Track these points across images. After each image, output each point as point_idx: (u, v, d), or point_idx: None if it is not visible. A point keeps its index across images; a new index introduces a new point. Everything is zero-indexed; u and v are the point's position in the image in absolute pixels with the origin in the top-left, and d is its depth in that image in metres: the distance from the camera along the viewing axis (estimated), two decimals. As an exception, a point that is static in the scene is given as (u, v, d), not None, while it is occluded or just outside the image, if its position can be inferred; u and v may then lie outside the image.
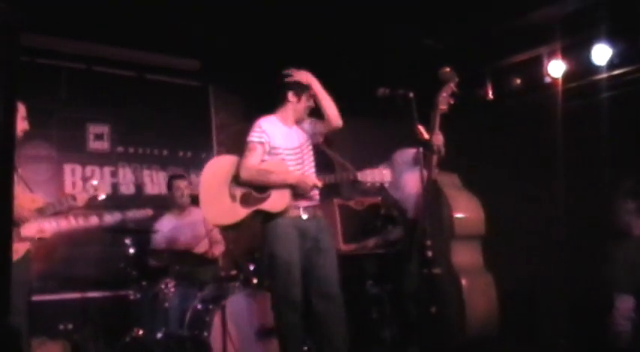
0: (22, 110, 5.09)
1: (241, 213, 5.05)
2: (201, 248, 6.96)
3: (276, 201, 5.05)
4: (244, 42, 7.51)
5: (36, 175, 7.22)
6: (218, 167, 5.29)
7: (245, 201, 5.07)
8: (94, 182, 5.68)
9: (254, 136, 5.15)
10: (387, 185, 6.38)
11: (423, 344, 5.54)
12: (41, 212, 5.27)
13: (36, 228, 5.42)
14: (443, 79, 5.61)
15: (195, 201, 6.97)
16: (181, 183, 7.27)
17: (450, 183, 5.75)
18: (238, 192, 5.11)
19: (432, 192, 5.43)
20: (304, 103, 5.38)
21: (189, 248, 6.89)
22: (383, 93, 5.38)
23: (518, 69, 7.94)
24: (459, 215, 5.51)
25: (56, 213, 5.60)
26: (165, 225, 7.16)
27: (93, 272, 7.50)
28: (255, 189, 5.08)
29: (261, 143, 5.14)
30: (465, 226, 5.53)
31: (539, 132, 7.57)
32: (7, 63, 2.60)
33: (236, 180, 5.11)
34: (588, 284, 6.63)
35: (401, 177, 6.12)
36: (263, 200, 5.04)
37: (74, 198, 5.45)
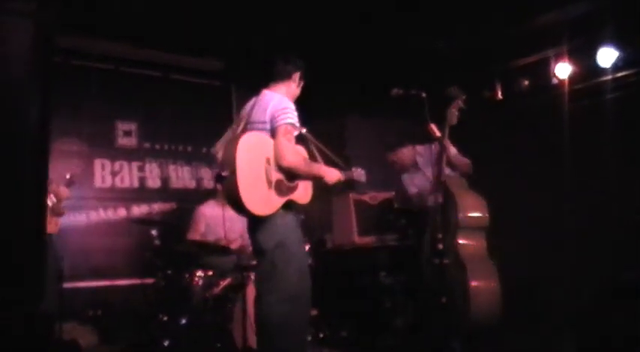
0: None
1: (277, 202, 4.33)
2: (235, 246, 6.92)
3: (302, 193, 4.56)
4: (265, 43, 7.52)
5: (68, 169, 7.28)
6: (253, 145, 4.30)
7: (279, 188, 4.32)
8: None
9: (293, 118, 4.41)
10: (405, 180, 6.44)
11: (433, 332, 5.57)
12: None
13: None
14: (451, 96, 5.68)
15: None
16: None
17: (457, 184, 5.81)
18: (274, 177, 4.30)
19: (441, 191, 5.49)
20: (299, 90, 4.85)
21: (226, 241, 6.81)
22: (397, 93, 5.39)
23: (526, 71, 7.89)
24: (464, 210, 5.59)
25: None
26: (209, 211, 7.03)
27: (121, 261, 7.60)
28: (286, 176, 4.39)
29: (296, 127, 4.46)
30: (470, 220, 5.61)
31: (547, 131, 7.55)
32: (41, 67, 2.64)
33: (272, 163, 4.31)
34: (592, 276, 6.65)
35: (425, 168, 6.19)
36: (293, 190, 4.44)
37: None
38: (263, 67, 4.81)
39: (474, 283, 5.38)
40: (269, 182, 4.28)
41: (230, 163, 4.16)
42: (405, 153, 6.46)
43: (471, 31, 7.34)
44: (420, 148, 6.44)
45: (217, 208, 6.92)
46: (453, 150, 5.88)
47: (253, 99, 4.67)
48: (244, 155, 4.19)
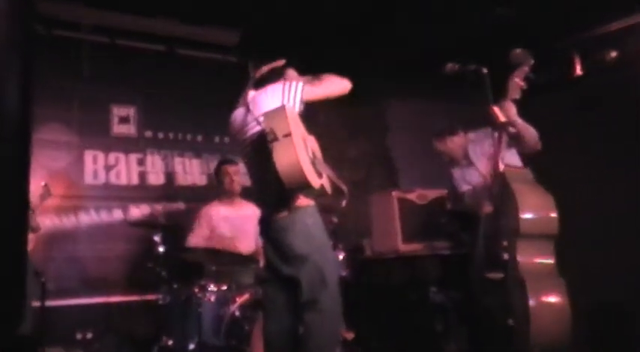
0: None
1: (317, 181, 4.43)
2: (246, 248, 6.95)
3: (326, 182, 4.67)
4: (290, 11, 7.47)
5: (54, 162, 7.30)
6: (294, 116, 4.45)
7: (315, 168, 4.44)
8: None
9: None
10: (456, 174, 6.40)
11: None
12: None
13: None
14: (515, 62, 5.53)
15: (245, 193, 7.01)
16: (230, 168, 7.14)
17: (520, 177, 5.68)
18: (310, 152, 4.49)
19: (499, 186, 5.41)
20: None
21: (233, 246, 6.89)
22: (451, 69, 5.35)
23: (610, 40, 7.75)
24: (526, 212, 5.47)
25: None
26: (214, 214, 7.11)
27: (116, 273, 7.58)
28: (313, 158, 4.53)
29: None
30: (533, 225, 5.48)
31: (634, 114, 7.42)
32: (21, 37, 2.61)
33: (307, 142, 4.50)
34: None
35: (478, 161, 6.13)
36: (320, 175, 4.55)
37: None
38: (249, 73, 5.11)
39: (534, 302, 5.28)
40: (309, 157, 4.37)
41: (282, 126, 4.23)
42: (456, 141, 6.43)
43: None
44: (472, 136, 6.41)
45: (222, 209, 7.13)
46: (520, 121, 5.75)
47: (242, 108, 4.87)
48: (292, 121, 4.29)
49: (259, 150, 4.44)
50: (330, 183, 4.68)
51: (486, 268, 5.40)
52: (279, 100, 4.50)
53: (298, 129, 4.35)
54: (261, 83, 4.88)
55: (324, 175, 4.61)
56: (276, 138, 4.18)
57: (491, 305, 5.33)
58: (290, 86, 4.60)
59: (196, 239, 6.95)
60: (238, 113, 4.85)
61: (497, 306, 5.21)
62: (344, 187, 4.76)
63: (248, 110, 4.68)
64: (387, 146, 9.45)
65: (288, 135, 4.19)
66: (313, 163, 4.41)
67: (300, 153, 4.19)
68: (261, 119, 4.41)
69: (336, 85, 4.78)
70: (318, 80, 4.75)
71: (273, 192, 4.42)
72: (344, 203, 4.96)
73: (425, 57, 6.70)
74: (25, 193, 2.79)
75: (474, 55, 5.39)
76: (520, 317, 5.23)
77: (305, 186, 4.28)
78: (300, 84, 4.62)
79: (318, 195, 4.53)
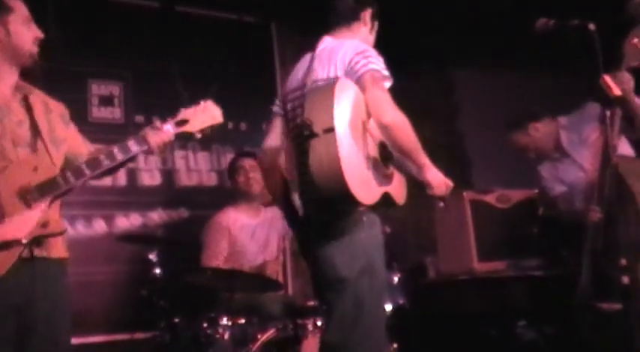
0: (21, 8, 4.37)
1: (375, 192, 4.29)
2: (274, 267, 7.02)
3: (397, 187, 4.62)
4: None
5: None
6: (352, 95, 4.25)
7: (376, 170, 4.34)
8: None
9: (379, 65, 4.40)
10: (544, 171, 6.33)
11: None
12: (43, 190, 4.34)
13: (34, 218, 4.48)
14: (633, 14, 5.41)
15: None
16: (247, 163, 7.13)
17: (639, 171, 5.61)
18: (372, 151, 4.35)
19: (612, 184, 5.32)
20: (373, 36, 4.93)
21: (260, 266, 6.94)
22: (544, 26, 5.25)
23: None
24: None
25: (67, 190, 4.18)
26: (232, 221, 7.11)
27: (99, 304, 7.55)
28: (381, 154, 4.43)
29: (386, 77, 4.44)
30: None
31: None
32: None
33: (369, 129, 4.37)
34: None
35: (575, 151, 6.03)
36: (389, 179, 4.50)
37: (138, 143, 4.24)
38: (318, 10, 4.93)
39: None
40: (367, 157, 4.26)
41: (324, 117, 4.07)
42: (542, 129, 6.42)
43: None
44: (564, 120, 6.40)
45: (241, 217, 7.15)
46: (636, 98, 5.64)
47: (308, 56, 4.76)
48: (342, 106, 4.12)
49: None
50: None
51: (597, 295, 5.33)
52: (342, 69, 4.36)
53: (355, 112, 4.19)
54: (343, 23, 4.75)
55: (397, 177, 4.56)
56: (313, 134, 4.03)
57: (604, 345, 5.26)
58: (367, 57, 4.35)
59: (215, 259, 6.92)
60: (302, 63, 4.73)
61: (615, 347, 5.13)
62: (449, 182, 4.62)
63: (310, 67, 4.56)
64: (457, 131, 9.37)
65: (330, 130, 4.01)
66: (375, 165, 4.31)
67: (346, 157, 4.00)
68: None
69: (411, 140, 4.33)
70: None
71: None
72: (441, 204, 4.81)
73: (509, 14, 6.59)
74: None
75: (573, 11, 5.27)
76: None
77: (349, 202, 4.11)
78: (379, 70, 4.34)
79: (383, 206, 4.41)
